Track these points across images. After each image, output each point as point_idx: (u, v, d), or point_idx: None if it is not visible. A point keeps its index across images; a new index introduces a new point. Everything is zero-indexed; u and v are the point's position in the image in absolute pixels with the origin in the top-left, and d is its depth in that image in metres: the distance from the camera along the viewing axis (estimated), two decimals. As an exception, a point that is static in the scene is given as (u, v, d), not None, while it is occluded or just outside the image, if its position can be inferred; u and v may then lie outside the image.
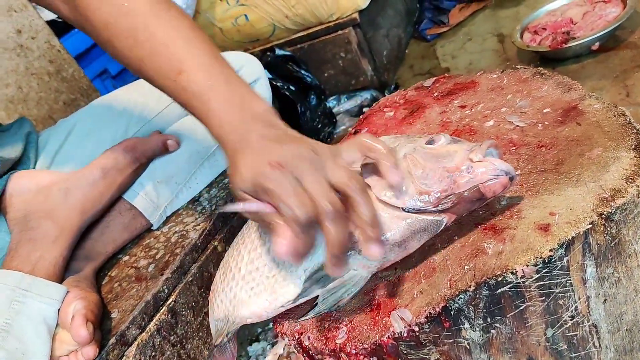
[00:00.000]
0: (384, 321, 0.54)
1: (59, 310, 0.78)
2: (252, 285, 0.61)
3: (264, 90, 1.16)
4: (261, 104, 0.61)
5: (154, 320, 0.87)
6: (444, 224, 0.55)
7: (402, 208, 0.54)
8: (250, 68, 1.14)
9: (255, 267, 0.61)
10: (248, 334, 1.30)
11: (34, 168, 1.01)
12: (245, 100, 0.61)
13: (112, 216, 0.98)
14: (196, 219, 1.03)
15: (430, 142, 0.57)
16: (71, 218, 0.88)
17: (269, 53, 1.84)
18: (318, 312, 0.58)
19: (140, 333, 0.84)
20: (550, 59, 1.64)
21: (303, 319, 0.60)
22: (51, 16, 1.87)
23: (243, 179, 0.54)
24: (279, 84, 1.74)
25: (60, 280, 0.85)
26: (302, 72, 1.81)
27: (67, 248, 0.87)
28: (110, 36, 0.68)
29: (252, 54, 2.04)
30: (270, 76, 1.75)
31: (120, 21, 0.66)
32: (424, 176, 0.54)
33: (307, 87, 1.81)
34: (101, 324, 0.83)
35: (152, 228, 1.04)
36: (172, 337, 0.88)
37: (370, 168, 0.57)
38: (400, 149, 0.58)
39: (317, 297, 0.59)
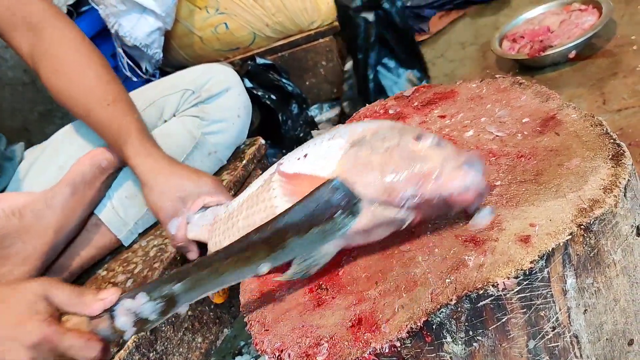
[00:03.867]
0: (365, 337, 0.53)
1: None
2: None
3: (234, 100, 1.11)
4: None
5: (132, 338, 0.85)
6: (407, 222, 0.58)
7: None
8: (221, 77, 1.10)
9: (247, 224, 0.68)
10: (231, 347, 1.29)
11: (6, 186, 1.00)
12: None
13: (80, 232, 0.96)
14: (175, 231, 1.01)
15: (418, 138, 0.59)
16: (44, 238, 0.87)
17: (249, 62, 1.83)
18: (291, 275, 0.63)
19: (118, 351, 0.82)
20: (529, 67, 1.66)
21: (276, 279, 0.64)
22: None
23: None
24: (259, 93, 1.73)
25: None
26: (283, 80, 1.80)
27: (37, 268, 0.86)
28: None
29: (232, 62, 2.03)
30: (251, 85, 1.74)
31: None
32: (394, 173, 0.57)
33: (288, 96, 1.80)
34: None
35: (124, 245, 1.02)
36: (151, 354, 0.86)
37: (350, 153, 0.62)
38: (387, 140, 0.61)
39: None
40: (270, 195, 0.67)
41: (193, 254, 0.87)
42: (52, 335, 0.58)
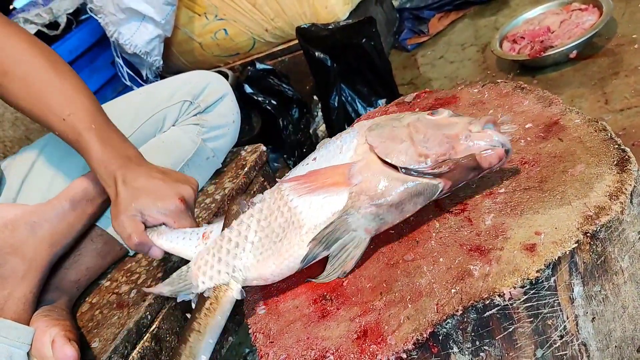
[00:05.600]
0: (371, 349, 0.53)
1: (28, 353, 0.75)
2: (260, 250, 0.64)
3: (229, 106, 1.14)
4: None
5: (137, 349, 0.84)
6: (440, 189, 0.58)
7: (401, 168, 0.58)
8: (215, 86, 1.12)
9: (265, 234, 0.65)
10: (236, 354, 1.28)
11: None
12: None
13: (84, 243, 0.94)
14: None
15: (433, 113, 0.62)
16: (40, 252, 0.85)
17: (249, 67, 1.83)
18: (327, 276, 0.63)
19: (123, 363, 0.82)
20: (530, 68, 1.66)
21: (314, 280, 0.64)
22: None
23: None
24: (260, 99, 1.72)
25: (31, 316, 0.82)
26: (284, 85, 1.80)
27: (36, 284, 0.84)
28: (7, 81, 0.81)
29: (232, 68, 2.03)
30: (251, 90, 1.74)
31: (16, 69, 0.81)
32: (425, 140, 0.59)
33: (288, 100, 1.80)
34: (81, 354, 0.81)
35: (129, 254, 1.01)
36: (156, 365, 0.86)
37: (378, 131, 0.63)
38: (404, 119, 0.63)
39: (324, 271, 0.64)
40: (285, 201, 0.64)
41: (159, 253, 0.75)
42: None
